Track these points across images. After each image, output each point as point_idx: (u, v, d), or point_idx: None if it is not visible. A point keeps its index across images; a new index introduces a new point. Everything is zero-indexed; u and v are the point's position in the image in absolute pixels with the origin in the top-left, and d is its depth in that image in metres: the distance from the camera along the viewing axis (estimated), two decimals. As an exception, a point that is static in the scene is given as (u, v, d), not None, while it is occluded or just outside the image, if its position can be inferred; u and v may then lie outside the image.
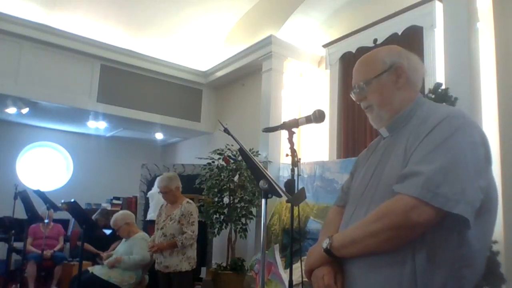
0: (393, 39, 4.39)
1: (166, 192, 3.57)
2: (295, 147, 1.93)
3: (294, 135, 1.91)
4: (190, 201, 3.63)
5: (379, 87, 1.30)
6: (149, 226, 5.27)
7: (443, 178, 1.04)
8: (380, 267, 1.12)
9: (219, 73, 6.70)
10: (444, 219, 1.05)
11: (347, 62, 5.04)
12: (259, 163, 1.95)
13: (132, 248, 4.00)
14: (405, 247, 1.08)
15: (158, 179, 5.41)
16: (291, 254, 2.30)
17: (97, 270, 3.93)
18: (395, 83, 1.29)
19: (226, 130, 2.02)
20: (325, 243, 1.21)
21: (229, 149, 5.00)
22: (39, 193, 4.64)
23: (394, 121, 1.29)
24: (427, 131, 1.13)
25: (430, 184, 1.04)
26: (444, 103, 2.95)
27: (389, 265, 1.10)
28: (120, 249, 4.12)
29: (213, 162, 5.07)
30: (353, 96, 1.39)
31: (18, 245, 5.30)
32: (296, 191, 1.89)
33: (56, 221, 6.00)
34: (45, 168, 7.88)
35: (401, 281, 1.08)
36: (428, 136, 1.13)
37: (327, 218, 1.47)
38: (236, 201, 4.90)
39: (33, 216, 4.66)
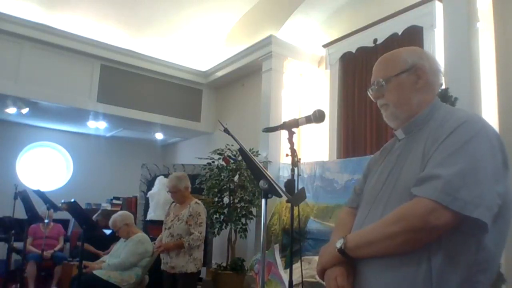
0: (393, 39, 4.40)
1: (174, 192, 3.52)
2: (295, 147, 1.93)
3: (294, 135, 1.91)
4: (199, 201, 3.57)
5: (398, 86, 1.29)
6: (149, 226, 5.27)
7: (462, 182, 1.03)
8: (394, 267, 1.11)
9: (219, 73, 6.70)
10: (461, 223, 1.04)
11: (347, 62, 5.04)
12: (259, 163, 1.95)
13: (124, 249, 4.00)
14: (421, 249, 1.08)
15: (161, 178, 5.41)
16: (291, 254, 2.30)
17: (97, 270, 3.93)
18: (415, 84, 1.28)
19: (226, 130, 2.01)
20: (339, 243, 1.20)
21: (229, 149, 5.00)
22: (39, 193, 4.63)
23: (411, 123, 1.28)
24: (446, 135, 1.13)
25: (449, 187, 1.03)
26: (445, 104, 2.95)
27: (404, 265, 1.10)
28: (117, 249, 4.12)
29: (213, 162, 5.07)
30: (370, 93, 1.38)
31: (18, 245, 5.29)
32: (296, 191, 1.89)
33: (56, 221, 6.01)
34: (45, 168, 7.88)
35: (415, 282, 1.07)
36: (446, 139, 1.12)
37: (338, 219, 1.46)
38: (236, 201, 4.90)
39: (33, 216, 4.65)
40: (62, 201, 4.51)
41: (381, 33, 4.53)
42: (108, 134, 7.95)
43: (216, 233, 4.93)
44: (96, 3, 5.76)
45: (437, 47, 3.93)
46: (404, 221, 1.07)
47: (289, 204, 2.00)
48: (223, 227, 4.91)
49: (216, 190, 4.89)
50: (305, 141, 5.50)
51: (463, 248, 1.07)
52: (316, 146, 5.28)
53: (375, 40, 4.59)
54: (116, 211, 4.87)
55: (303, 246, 4.23)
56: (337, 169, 4.42)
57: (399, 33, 4.34)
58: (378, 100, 1.36)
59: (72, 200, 3.69)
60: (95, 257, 4.80)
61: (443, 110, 1.27)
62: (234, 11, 6.16)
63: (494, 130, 1.18)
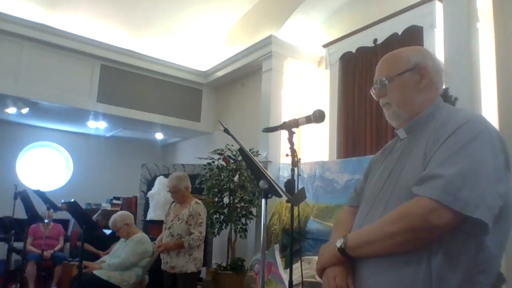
0: (393, 39, 4.40)
1: (175, 192, 3.53)
2: (295, 147, 1.93)
3: (294, 135, 1.91)
4: (199, 201, 3.57)
5: (401, 85, 1.29)
6: (149, 226, 5.27)
7: (463, 182, 1.03)
8: (393, 267, 1.11)
9: (219, 73, 6.70)
10: (462, 223, 1.04)
11: (347, 62, 5.04)
12: (259, 163, 1.95)
13: (124, 249, 4.00)
14: (421, 249, 1.08)
15: (161, 178, 5.41)
16: (291, 254, 2.30)
17: (97, 270, 3.93)
18: (418, 84, 1.28)
19: (226, 130, 2.01)
20: (339, 243, 1.20)
21: (229, 149, 5.00)
22: (39, 193, 4.63)
23: (413, 123, 1.28)
24: (448, 135, 1.12)
25: (450, 187, 1.03)
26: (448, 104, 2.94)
27: (403, 265, 1.09)
28: (117, 249, 4.12)
29: (213, 162, 5.07)
30: (372, 92, 1.38)
31: (18, 245, 5.30)
32: (296, 191, 1.89)
33: (56, 221, 6.01)
34: (45, 168, 7.88)
35: (415, 282, 1.07)
36: (448, 139, 1.12)
37: (338, 218, 1.46)
38: (236, 201, 4.90)
39: (33, 216, 4.65)
40: (62, 201, 4.51)
41: (381, 33, 4.53)
42: (108, 134, 7.95)
43: (216, 233, 4.93)
44: (96, 3, 5.76)
45: (437, 47, 3.93)
46: (405, 220, 1.07)
47: (289, 204, 2.01)
48: (223, 227, 4.91)
49: (216, 190, 4.89)
50: (305, 141, 5.50)
51: (464, 249, 1.07)
52: (316, 146, 5.28)
53: (375, 40, 4.59)
54: (116, 211, 4.87)
55: (303, 246, 4.23)
56: (337, 169, 4.42)
57: (399, 33, 4.34)
58: (381, 99, 1.35)
59: (72, 200, 3.69)
60: (95, 257, 4.80)
61: (445, 110, 1.26)
62: (234, 11, 6.15)
63: (497, 131, 1.17)
